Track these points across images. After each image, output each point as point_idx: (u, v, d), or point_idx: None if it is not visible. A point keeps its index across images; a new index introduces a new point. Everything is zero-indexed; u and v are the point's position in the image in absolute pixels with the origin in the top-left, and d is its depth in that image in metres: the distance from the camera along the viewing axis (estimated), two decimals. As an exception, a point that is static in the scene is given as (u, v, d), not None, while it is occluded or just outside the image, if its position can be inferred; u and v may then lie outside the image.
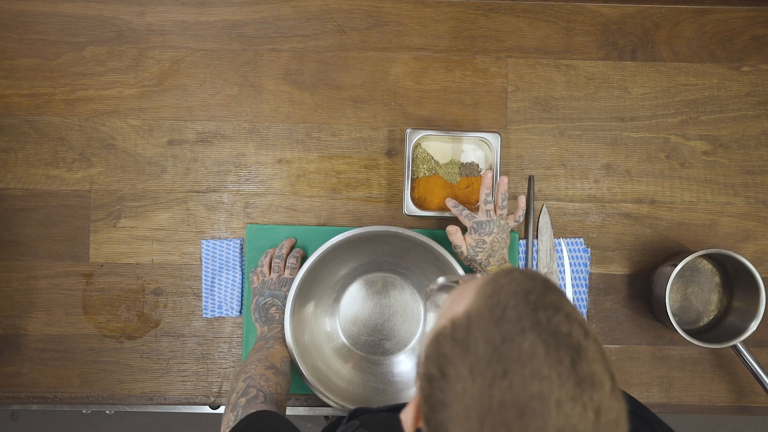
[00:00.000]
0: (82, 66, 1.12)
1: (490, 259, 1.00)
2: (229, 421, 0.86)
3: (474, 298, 0.52)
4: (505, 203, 1.01)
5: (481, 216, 1.00)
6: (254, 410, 0.84)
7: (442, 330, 0.52)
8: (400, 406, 0.82)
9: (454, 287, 0.60)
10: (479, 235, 1.00)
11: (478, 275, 0.60)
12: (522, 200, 1.03)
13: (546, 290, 0.51)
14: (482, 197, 1.00)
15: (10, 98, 1.11)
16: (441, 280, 0.61)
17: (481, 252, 1.00)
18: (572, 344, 0.48)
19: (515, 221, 1.02)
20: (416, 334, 1.10)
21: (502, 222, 1.01)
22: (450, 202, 1.04)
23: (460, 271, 0.99)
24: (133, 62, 1.12)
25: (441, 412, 0.49)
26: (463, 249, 1.01)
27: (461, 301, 0.53)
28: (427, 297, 0.62)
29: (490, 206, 1.00)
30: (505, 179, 1.01)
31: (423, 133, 1.07)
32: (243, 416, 0.83)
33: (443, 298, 0.61)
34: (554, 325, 0.48)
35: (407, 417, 0.54)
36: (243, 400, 0.87)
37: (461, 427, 0.47)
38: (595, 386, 0.47)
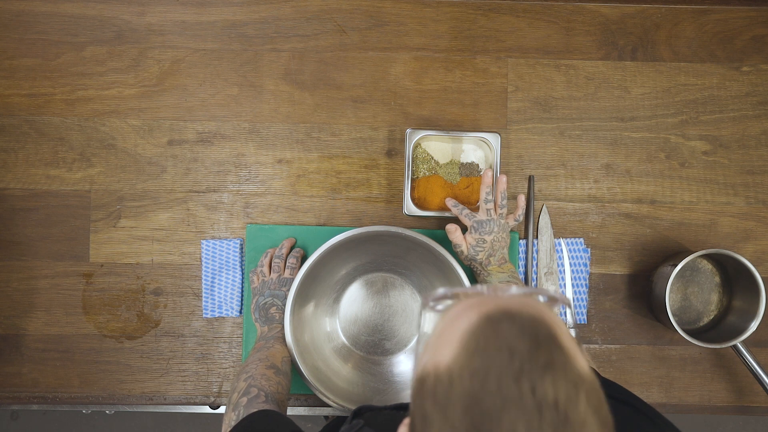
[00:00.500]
0: (82, 66, 1.12)
1: (491, 259, 1.00)
2: (231, 420, 0.86)
3: (457, 351, 0.49)
4: (505, 202, 1.01)
5: (481, 215, 1.00)
6: (256, 409, 0.84)
7: (425, 379, 0.50)
8: (405, 405, 0.82)
9: (450, 302, 0.58)
10: (479, 234, 1.00)
11: (479, 287, 0.58)
12: (522, 199, 1.03)
13: (534, 348, 0.48)
14: (482, 196, 1.00)
15: (10, 98, 1.11)
16: (440, 291, 0.59)
17: (481, 251, 1.00)
18: (558, 416, 0.46)
19: (515, 220, 1.02)
20: (416, 334, 1.10)
21: (502, 221, 1.01)
22: (450, 202, 1.04)
23: (460, 271, 0.99)
24: (133, 62, 1.12)
25: None
26: (463, 248, 1.01)
27: (446, 347, 0.51)
28: (423, 307, 0.60)
29: (491, 205, 1.00)
30: (503, 178, 1.01)
31: (423, 133, 1.07)
32: (245, 415, 0.83)
33: (444, 304, 0.59)
34: (539, 395, 0.46)
35: None
36: (245, 399, 0.87)
37: None
38: None
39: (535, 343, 0.48)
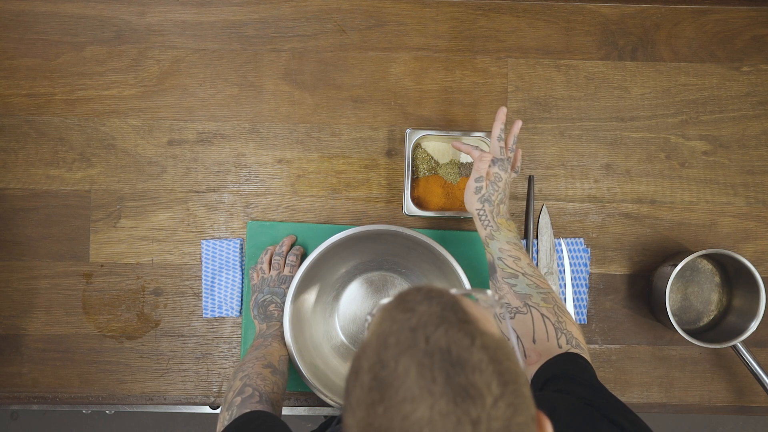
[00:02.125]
0: (82, 66, 1.12)
1: (500, 207, 0.95)
2: (224, 420, 0.86)
3: (371, 327, 0.54)
4: (514, 146, 0.97)
5: (494, 151, 0.95)
6: (249, 410, 0.84)
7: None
8: None
9: None
10: (498, 168, 0.94)
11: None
12: (519, 152, 0.99)
13: (433, 307, 0.51)
14: (495, 133, 0.95)
15: (10, 98, 1.11)
16: (382, 302, 0.63)
17: (495, 192, 0.94)
18: (450, 359, 0.47)
19: (515, 172, 0.98)
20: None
21: (509, 166, 0.96)
22: (457, 143, 0.99)
23: (460, 271, 0.99)
24: (133, 62, 1.12)
25: None
26: (484, 185, 0.94)
27: (366, 332, 0.55)
28: (366, 323, 0.64)
29: (503, 143, 0.96)
30: (519, 122, 0.97)
31: (423, 133, 1.07)
32: (237, 416, 0.83)
33: None
34: (432, 343, 0.48)
35: None
36: (238, 399, 0.87)
37: None
38: (473, 398, 0.46)
39: (435, 305, 0.51)
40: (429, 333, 0.49)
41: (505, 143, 0.96)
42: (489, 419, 0.46)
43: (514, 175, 0.98)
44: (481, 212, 0.94)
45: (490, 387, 0.47)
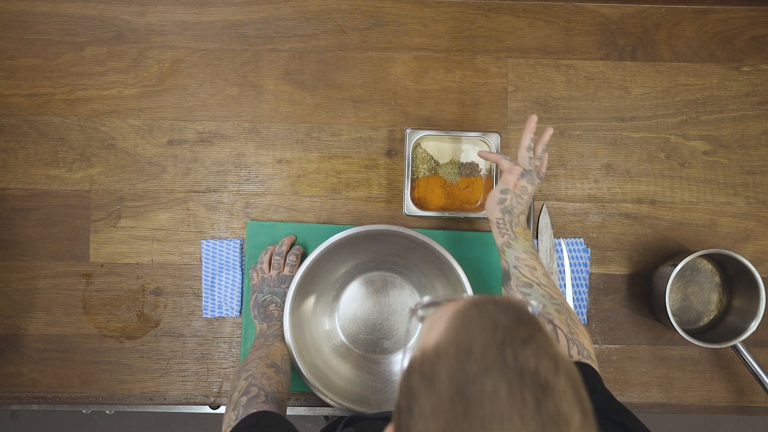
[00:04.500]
0: (82, 66, 1.12)
1: (521, 217, 0.94)
2: (231, 420, 0.86)
3: (444, 331, 0.51)
4: (542, 154, 0.95)
5: (523, 163, 0.94)
6: (255, 410, 0.84)
7: (413, 361, 0.52)
8: None
9: (436, 308, 0.59)
10: (525, 181, 0.93)
11: (465, 294, 0.59)
12: (546, 158, 0.96)
13: (517, 323, 0.50)
14: (525, 142, 0.93)
15: (10, 98, 1.11)
16: (426, 299, 0.61)
17: (519, 204, 0.93)
18: (539, 382, 0.47)
19: (539, 177, 0.96)
20: (415, 333, 1.10)
21: (536, 178, 0.94)
22: (483, 152, 0.98)
23: (460, 271, 0.99)
24: (133, 62, 1.12)
25: None
26: (509, 197, 0.93)
27: (434, 330, 0.52)
28: (410, 316, 0.62)
29: (531, 153, 0.93)
30: (550, 129, 0.95)
31: (423, 133, 1.07)
32: (244, 415, 0.83)
33: (429, 313, 0.60)
34: (521, 362, 0.47)
35: None
36: (244, 399, 0.87)
37: None
38: (560, 426, 0.46)
39: (517, 319, 0.51)
40: (517, 351, 0.48)
41: (534, 152, 0.94)
42: None
43: (538, 180, 0.96)
44: (501, 221, 0.93)
45: (574, 415, 0.47)
